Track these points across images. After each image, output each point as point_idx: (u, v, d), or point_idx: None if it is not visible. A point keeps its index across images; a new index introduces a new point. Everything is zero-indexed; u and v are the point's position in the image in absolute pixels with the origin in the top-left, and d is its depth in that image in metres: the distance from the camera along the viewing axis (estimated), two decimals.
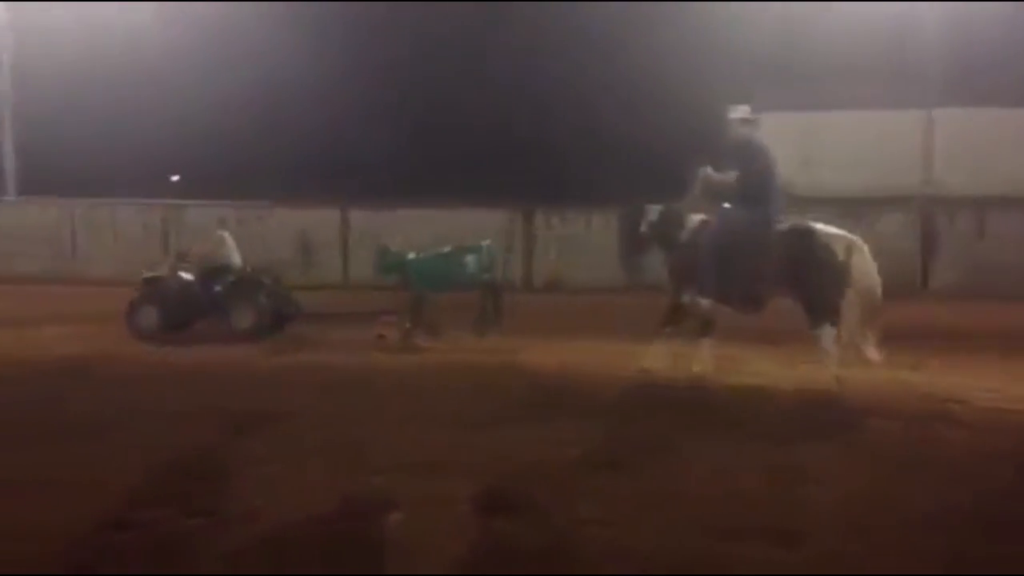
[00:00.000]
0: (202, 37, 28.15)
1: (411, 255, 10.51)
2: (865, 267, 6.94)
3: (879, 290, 6.98)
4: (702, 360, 7.48)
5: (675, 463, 5.02)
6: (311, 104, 32.50)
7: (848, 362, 7.05)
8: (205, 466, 4.94)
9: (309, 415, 6.16)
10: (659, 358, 7.58)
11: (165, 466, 4.95)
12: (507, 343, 9.48)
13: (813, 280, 6.89)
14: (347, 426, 5.84)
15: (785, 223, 7.17)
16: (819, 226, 7.08)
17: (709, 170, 7.38)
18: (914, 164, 20.36)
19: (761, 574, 3.62)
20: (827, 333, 6.89)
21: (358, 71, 32.07)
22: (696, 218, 7.52)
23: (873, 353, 6.98)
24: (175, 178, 35.50)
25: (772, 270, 7.02)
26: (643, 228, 7.71)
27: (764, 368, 7.97)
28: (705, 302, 7.30)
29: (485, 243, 10.71)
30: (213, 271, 10.60)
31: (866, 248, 6.98)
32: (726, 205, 7.40)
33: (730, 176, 7.24)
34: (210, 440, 5.50)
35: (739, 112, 7.37)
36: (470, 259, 10.34)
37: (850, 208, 17.29)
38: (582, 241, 17.90)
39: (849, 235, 7.06)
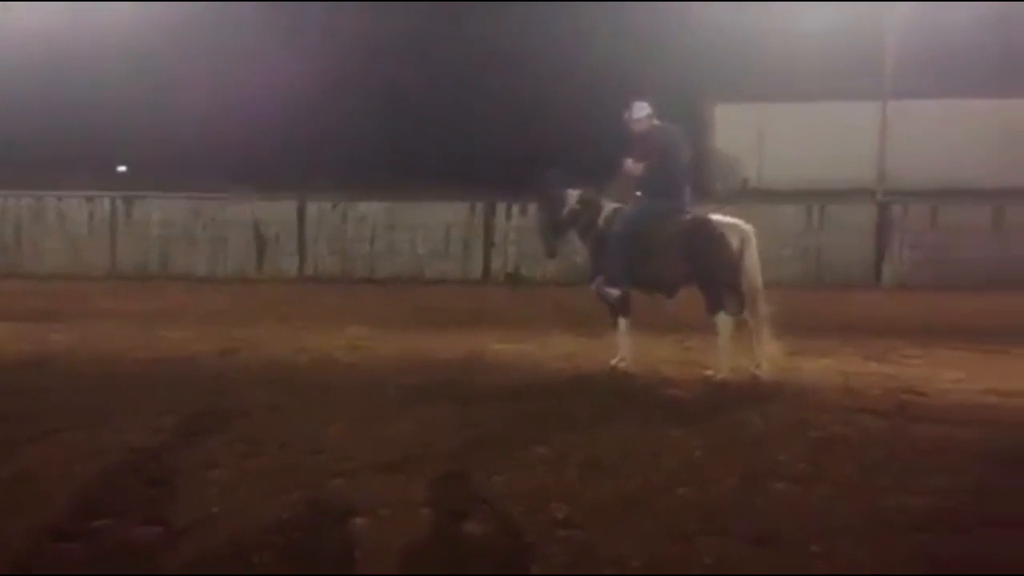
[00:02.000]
0: (160, 32, 27.65)
1: None
2: (751, 256, 7.23)
3: (759, 280, 7.26)
4: (622, 348, 7.62)
5: (647, 463, 4.92)
6: (273, 96, 32.19)
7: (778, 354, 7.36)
8: (156, 470, 4.71)
9: (263, 415, 5.93)
10: (627, 353, 7.60)
11: (114, 470, 4.73)
12: (468, 338, 9.34)
13: (708, 268, 7.18)
14: (303, 426, 5.65)
15: (688, 214, 7.41)
16: (716, 216, 7.41)
17: (630, 162, 7.55)
18: (868, 156, 20.63)
19: (734, 574, 3.55)
20: (723, 320, 7.20)
21: (323, 66, 31.85)
22: (611, 206, 7.72)
23: (767, 342, 7.25)
24: (122, 169, 34.82)
25: (674, 258, 7.27)
26: (563, 213, 7.85)
27: (736, 363, 7.87)
28: (612, 289, 7.47)
29: None
30: None
31: (754, 238, 7.26)
32: (638, 194, 7.66)
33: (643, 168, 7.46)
34: (161, 442, 5.27)
35: (639, 110, 7.49)
36: None
37: (803, 200, 17.41)
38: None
39: (743, 225, 7.31)
